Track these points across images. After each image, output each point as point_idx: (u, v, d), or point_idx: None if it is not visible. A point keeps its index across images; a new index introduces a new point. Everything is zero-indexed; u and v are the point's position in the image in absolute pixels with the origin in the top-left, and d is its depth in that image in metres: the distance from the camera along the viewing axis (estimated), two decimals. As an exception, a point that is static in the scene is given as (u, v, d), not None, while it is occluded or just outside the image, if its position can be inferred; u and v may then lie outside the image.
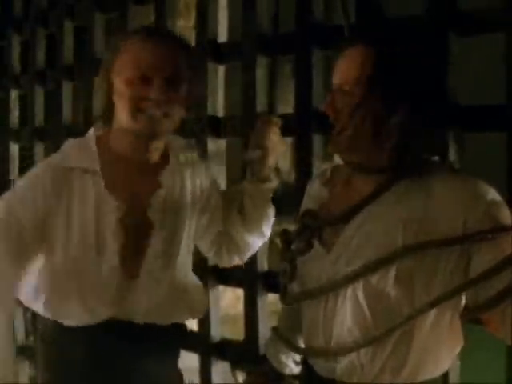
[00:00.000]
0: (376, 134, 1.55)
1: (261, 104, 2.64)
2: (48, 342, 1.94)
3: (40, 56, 3.87)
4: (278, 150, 1.95)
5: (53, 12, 3.75)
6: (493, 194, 1.52)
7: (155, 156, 1.92)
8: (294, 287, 1.71)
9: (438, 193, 1.54)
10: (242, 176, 2.40)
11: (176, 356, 2.08)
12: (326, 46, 2.45)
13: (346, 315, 1.58)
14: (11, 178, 4.10)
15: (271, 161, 1.95)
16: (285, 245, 1.70)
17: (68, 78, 3.64)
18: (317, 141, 2.47)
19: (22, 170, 4.06)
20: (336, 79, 1.60)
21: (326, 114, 1.81)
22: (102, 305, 1.85)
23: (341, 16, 2.07)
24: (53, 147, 3.71)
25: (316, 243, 1.65)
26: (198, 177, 2.03)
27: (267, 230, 2.09)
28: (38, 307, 1.89)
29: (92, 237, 1.84)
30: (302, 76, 2.48)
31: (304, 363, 1.77)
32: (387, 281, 1.53)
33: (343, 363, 1.60)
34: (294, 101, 2.54)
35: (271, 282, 2.61)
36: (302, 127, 2.48)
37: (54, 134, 3.72)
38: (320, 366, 1.67)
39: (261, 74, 2.66)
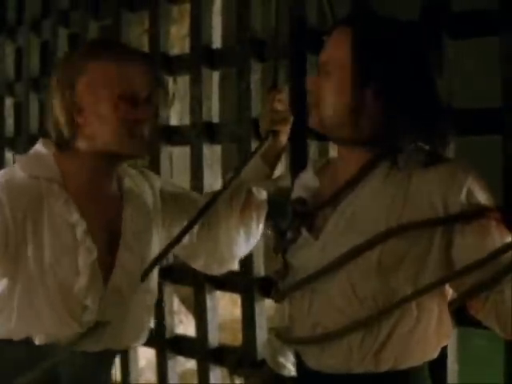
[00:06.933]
0: (352, 113, 1.59)
1: (256, 109, 2.64)
2: None
3: (34, 63, 3.86)
4: (288, 121, 1.97)
5: (47, 19, 3.75)
6: (474, 177, 1.54)
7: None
8: (286, 283, 1.72)
9: (420, 176, 1.56)
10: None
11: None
12: (320, 51, 2.46)
13: (332, 301, 1.58)
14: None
15: (284, 137, 1.99)
16: (277, 236, 1.72)
17: (62, 85, 3.63)
18: (312, 146, 2.47)
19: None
20: (320, 59, 1.66)
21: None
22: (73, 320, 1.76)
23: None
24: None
25: (305, 232, 1.66)
26: (153, 187, 1.99)
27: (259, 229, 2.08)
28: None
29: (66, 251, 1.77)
30: (297, 81, 2.48)
31: (296, 358, 1.77)
32: (371, 265, 1.54)
33: (330, 351, 1.60)
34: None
35: (268, 287, 2.61)
36: (297, 132, 2.48)
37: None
38: (308, 357, 1.67)
39: (255, 79, 2.66)
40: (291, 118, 1.99)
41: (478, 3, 2.09)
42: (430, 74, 1.62)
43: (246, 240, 2.07)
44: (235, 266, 2.20)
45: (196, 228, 1.96)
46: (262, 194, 2.05)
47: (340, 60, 1.60)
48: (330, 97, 1.61)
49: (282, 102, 1.97)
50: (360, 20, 1.66)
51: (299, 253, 1.67)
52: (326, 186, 1.71)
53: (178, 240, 1.87)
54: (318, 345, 1.62)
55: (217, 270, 2.14)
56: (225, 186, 1.95)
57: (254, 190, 2.03)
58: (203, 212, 1.90)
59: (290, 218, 1.69)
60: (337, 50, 1.61)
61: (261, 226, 2.08)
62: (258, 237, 2.11)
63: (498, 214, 1.53)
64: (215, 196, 1.94)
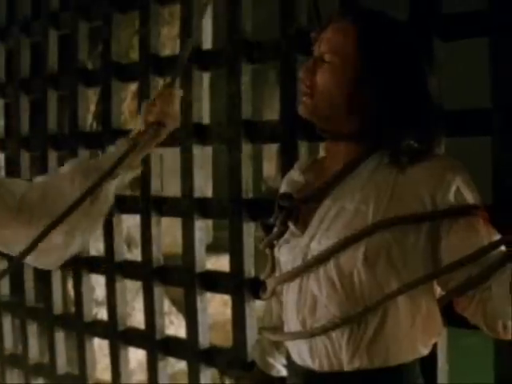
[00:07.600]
0: (347, 105, 1.59)
1: (246, 111, 2.65)
2: None
3: (25, 65, 3.85)
4: (176, 119, 1.93)
5: (37, 20, 3.74)
6: (463, 175, 1.54)
7: None
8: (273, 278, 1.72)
9: (408, 171, 1.56)
10: (229, 183, 2.40)
11: None
12: (310, 52, 2.46)
13: (321, 295, 1.58)
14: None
15: (165, 133, 1.92)
16: (264, 233, 1.72)
17: (53, 87, 3.63)
18: (302, 147, 2.47)
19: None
20: (317, 50, 1.65)
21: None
22: None
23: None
24: (38, 156, 3.71)
25: (291, 225, 1.66)
26: None
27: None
28: None
29: None
30: (287, 83, 2.48)
31: (287, 358, 1.77)
32: (357, 259, 1.54)
33: (320, 348, 1.60)
34: (279, 107, 2.55)
35: (258, 288, 2.62)
36: (288, 134, 2.49)
37: (39, 144, 3.71)
38: (297, 353, 1.67)
39: (246, 81, 2.66)
40: (179, 118, 1.95)
41: (467, 4, 2.10)
42: (424, 73, 1.63)
43: (82, 234, 1.91)
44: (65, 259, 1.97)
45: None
46: (111, 188, 1.93)
47: (341, 51, 1.60)
48: (328, 86, 1.61)
49: (176, 98, 1.94)
50: (366, 15, 1.66)
51: (286, 247, 1.68)
52: (313, 182, 1.71)
53: (44, 235, 1.75)
54: (308, 342, 1.62)
55: (47, 263, 1.98)
56: (101, 179, 1.83)
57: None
58: (76, 205, 1.79)
59: (276, 213, 1.70)
60: (339, 42, 1.61)
61: (101, 219, 1.96)
62: (92, 232, 1.96)
63: (485, 213, 1.54)
64: (90, 189, 1.81)
